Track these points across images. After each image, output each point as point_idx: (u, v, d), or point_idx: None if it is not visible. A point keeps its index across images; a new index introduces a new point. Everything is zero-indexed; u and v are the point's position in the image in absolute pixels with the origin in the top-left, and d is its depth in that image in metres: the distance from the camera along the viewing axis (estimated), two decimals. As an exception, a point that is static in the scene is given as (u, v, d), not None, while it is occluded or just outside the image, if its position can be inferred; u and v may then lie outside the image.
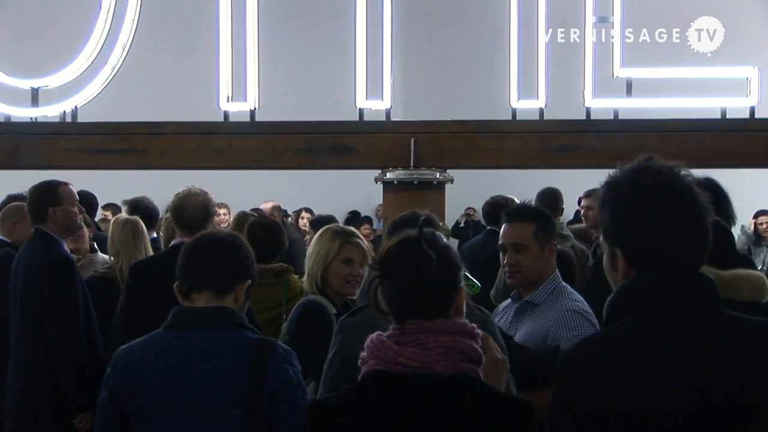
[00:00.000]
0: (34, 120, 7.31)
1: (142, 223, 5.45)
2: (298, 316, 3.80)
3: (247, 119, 7.23)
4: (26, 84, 7.36)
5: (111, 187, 8.71)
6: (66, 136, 7.26)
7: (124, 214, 5.90)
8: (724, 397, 1.83)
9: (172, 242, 4.55)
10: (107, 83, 7.29)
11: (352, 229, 4.12)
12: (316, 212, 12.41)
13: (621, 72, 7.17)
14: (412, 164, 6.91)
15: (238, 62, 7.19)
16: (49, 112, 7.34)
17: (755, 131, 6.88)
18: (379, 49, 7.18)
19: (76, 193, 4.76)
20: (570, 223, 8.36)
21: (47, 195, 4.63)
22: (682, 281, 1.92)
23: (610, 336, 1.92)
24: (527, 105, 7.18)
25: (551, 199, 6.49)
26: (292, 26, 12.22)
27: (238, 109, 7.22)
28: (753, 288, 3.30)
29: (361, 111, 7.21)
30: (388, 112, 7.25)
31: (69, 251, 4.76)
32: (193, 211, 4.48)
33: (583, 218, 7.02)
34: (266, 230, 4.99)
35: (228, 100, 7.19)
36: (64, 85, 7.36)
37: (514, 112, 7.23)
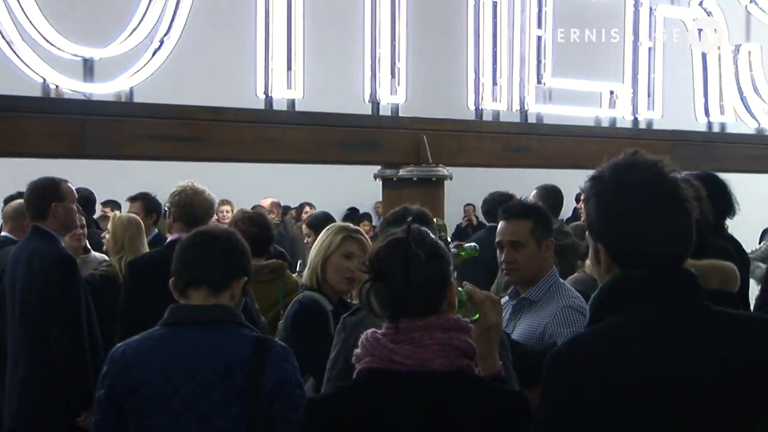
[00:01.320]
0: (88, 97, 5.84)
1: (141, 221, 5.47)
2: (294, 313, 3.80)
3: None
4: (80, 52, 5.81)
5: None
6: (134, 120, 5.95)
7: (123, 212, 5.91)
8: (714, 393, 1.84)
9: (170, 238, 4.52)
10: (165, 61, 6.07)
11: (358, 227, 4.15)
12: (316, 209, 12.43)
13: (549, 81, 7.84)
14: (430, 161, 6.90)
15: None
16: (110, 88, 5.92)
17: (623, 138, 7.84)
18: (385, 42, 7.08)
19: (75, 192, 4.77)
20: (568, 220, 8.35)
21: (50, 191, 4.62)
22: (667, 278, 1.93)
23: (597, 334, 1.93)
24: (492, 107, 7.60)
25: (554, 197, 6.52)
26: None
27: (282, 96, 6.66)
28: (722, 278, 3.45)
29: (377, 106, 7.04)
30: (396, 108, 7.12)
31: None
32: (202, 209, 4.47)
33: (582, 215, 7.01)
34: (251, 224, 4.97)
35: (269, 89, 6.59)
36: (114, 59, 5.96)
37: (480, 112, 7.51)
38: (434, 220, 3.70)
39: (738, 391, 1.85)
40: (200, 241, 2.82)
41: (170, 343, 2.70)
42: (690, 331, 1.89)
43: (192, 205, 4.45)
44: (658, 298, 1.91)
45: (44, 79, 5.59)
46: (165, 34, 6.04)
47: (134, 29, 5.97)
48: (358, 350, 2.16)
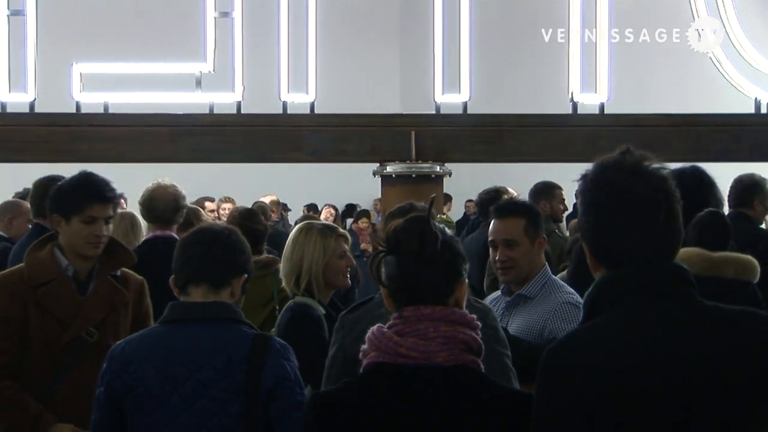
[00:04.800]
0: None
1: (139, 217, 5.45)
2: (287, 321, 3.76)
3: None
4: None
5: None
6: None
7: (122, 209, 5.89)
8: (707, 388, 1.85)
9: (145, 237, 4.50)
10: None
11: (331, 223, 4.15)
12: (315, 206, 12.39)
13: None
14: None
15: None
16: None
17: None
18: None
19: None
20: (570, 216, 8.35)
21: (49, 189, 4.60)
22: (657, 274, 1.93)
23: (590, 332, 1.94)
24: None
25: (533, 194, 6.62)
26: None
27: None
28: (738, 267, 3.60)
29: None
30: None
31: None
32: (163, 203, 4.42)
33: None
34: (242, 218, 4.94)
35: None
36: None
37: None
38: (440, 216, 3.74)
39: (730, 383, 1.86)
40: (200, 238, 2.81)
41: (170, 341, 2.69)
42: (680, 325, 1.89)
43: (152, 200, 4.41)
44: (648, 294, 1.92)
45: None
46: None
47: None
48: (364, 346, 2.15)
